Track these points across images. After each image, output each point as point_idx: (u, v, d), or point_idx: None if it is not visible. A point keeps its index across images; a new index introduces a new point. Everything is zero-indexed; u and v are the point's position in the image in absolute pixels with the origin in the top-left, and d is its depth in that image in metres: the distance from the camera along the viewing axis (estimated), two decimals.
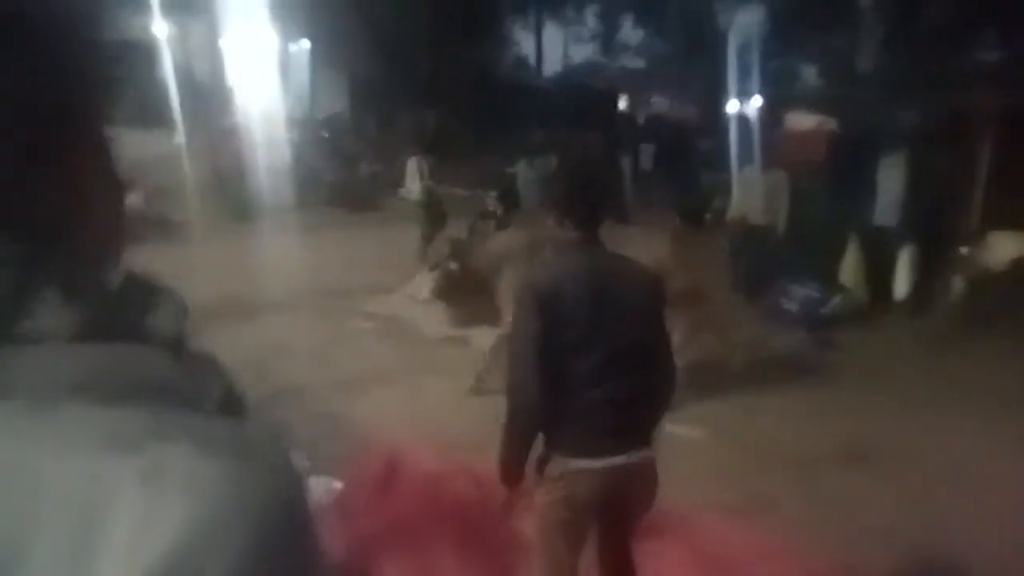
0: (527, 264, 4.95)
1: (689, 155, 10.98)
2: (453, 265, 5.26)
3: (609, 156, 10.90)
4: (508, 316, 5.12)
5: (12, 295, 0.44)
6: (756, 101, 14.40)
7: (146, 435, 0.43)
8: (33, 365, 0.44)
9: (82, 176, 0.50)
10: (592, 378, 2.18)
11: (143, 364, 0.47)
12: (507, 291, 5.04)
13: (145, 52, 20.91)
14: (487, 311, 5.10)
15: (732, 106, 14.60)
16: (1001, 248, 7.13)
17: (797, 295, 7.40)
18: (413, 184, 11.66)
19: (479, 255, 5.33)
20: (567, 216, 2.32)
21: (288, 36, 20.86)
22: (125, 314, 0.49)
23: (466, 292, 5.28)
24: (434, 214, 9.04)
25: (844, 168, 8.01)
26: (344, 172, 13.89)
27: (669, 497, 3.56)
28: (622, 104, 24.25)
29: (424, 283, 5.22)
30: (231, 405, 0.53)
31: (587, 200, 2.35)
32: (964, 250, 7.26)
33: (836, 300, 7.33)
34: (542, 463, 2.26)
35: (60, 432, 0.43)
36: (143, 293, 0.51)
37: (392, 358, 5.66)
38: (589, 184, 2.44)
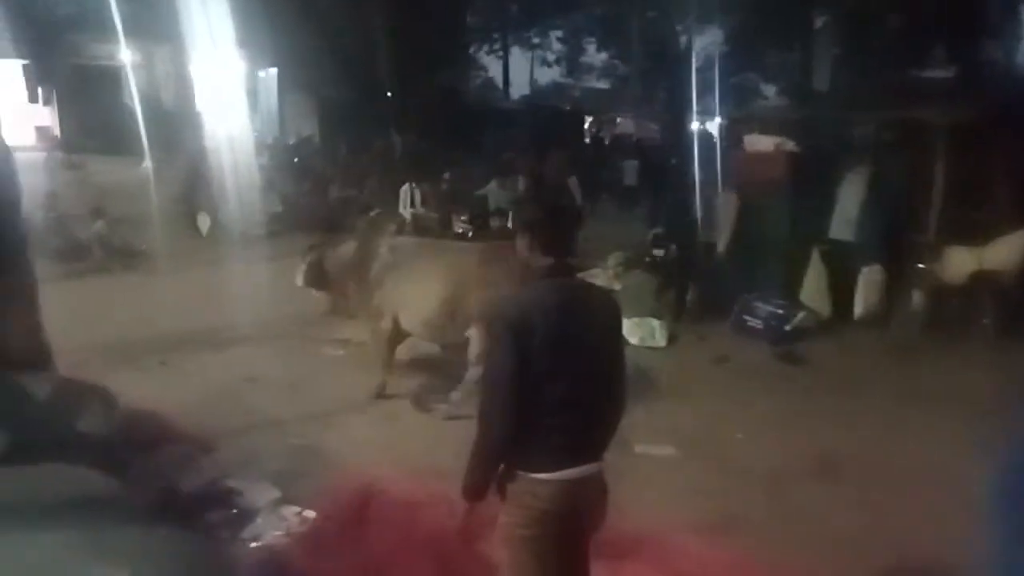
0: (362, 274, 5.50)
1: (656, 175, 11.14)
2: (307, 260, 5.98)
3: (573, 176, 11.01)
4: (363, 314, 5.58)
5: None
6: (717, 120, 14.65)
7: (84, 559, 0.47)
8: None
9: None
10: (559, 402, 2.23)
11: (74, 481, 0.51)
12: (356, 295, 5.64)
13: (111, 79, 20.76)
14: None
15: (694, 126, 14.86)
16: (957, 261, 7.29)
17: (761, 312, 7.50)
18: (405, 210, 11.84)
19: (328, 259, 5.89)
20: (539, 243, 2.32)
21: (256, 62, 20.84)
22: (55, 425, 0.53)
23: (324, 285, 6.01)
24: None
25: (804, 186, 8.13)
26: (314, 196, 13.83)
27: (644, 517, 3.64)
28: (587, 124, 24.61)
29: (299, 272, 6.09)
30: (174, 499, 0.57)
31: (560, 229, 2.35)
32: (921, 265, 7.44)
33: (799, 316, 7.43)
34: (503, 481, 2.31)
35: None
36: (73, 398, 0.55)
37: (365, 384, 5.68)
38: (563, 213, 2.44)
